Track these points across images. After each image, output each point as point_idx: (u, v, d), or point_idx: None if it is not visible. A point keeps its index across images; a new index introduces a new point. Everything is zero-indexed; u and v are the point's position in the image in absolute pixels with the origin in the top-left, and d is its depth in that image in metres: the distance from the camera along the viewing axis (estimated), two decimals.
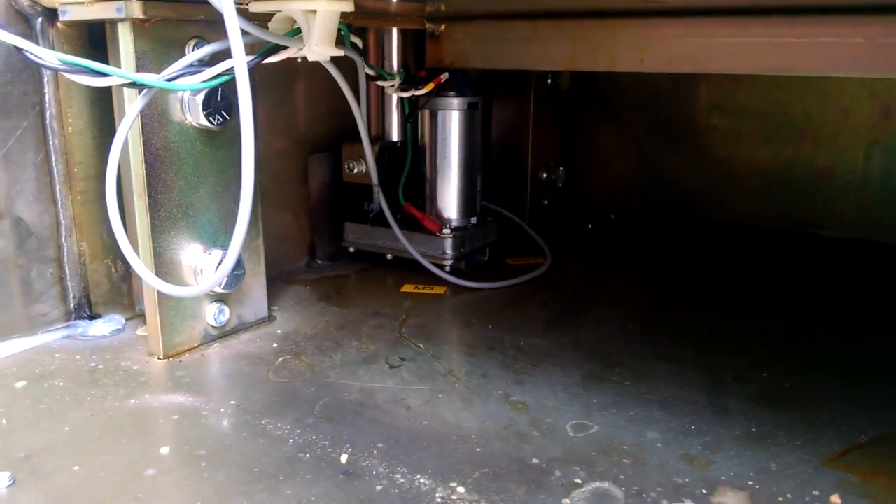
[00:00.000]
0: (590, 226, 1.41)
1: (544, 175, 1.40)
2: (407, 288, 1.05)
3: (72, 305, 0.88)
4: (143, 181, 0.76)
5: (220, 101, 0.78)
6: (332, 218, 1.16)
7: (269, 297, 0.95)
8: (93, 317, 0.90)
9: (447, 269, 1.06)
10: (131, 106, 0.69)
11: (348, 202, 1.14)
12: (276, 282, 1.05)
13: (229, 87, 0.79)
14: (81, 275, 0.88)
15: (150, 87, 0.68)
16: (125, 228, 0.72)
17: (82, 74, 0.66)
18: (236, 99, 0.79)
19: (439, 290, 1.04)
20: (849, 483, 0.59)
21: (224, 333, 0.87)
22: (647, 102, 1.46)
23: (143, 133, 0.75)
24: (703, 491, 0.58)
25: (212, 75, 0.70)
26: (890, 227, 1.26)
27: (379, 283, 1.08)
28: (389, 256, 1.11)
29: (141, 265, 0.70)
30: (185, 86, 0.70)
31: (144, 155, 0.76)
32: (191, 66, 0.71)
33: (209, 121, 0.77)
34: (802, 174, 1.33)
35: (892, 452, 0.63)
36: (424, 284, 1.05)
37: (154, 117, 0.76)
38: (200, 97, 0.76)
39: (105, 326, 0.88)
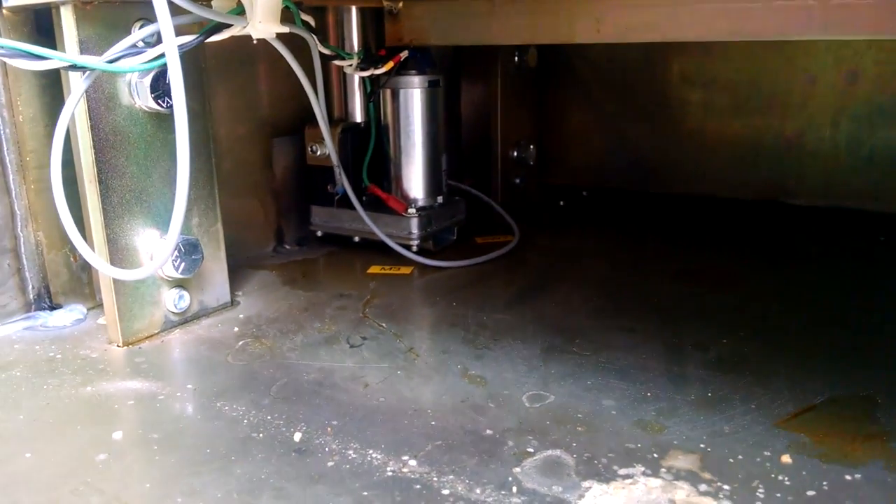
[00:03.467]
0: (561, 203, 1.41)
1: (515, 154, 1.39)
2: (373, 269, 1.04)
3: (31, 296, 0.87)
4: (93, 167, 0.76)
5: (168, 83, 0.77)
6: (298, 202, 1.15)
7: (233, 283, 0.94)
8: (53, 307, 0.89)
9: (414, 249, 1.06)
10: (73, 90, 0.68)
11: (314, 185, 1.13)
12: (242, 267, 1.04)
13: None
14: (39, 265, 0.87)
15: (91, 70, 0.67)
16: (81, 216, 0.71)
17: (21, 58, 0.65)
18: (185, 79, 0.78)
19: (406, 270, 1.04)
20: (801, 443, 0.59)
21: (185, 319, 0.86)
22: (618, 77, 1.46)
23: (90, 118, 0.74)
24: (655, 455, 0.57)
25: (153, 56, 0.69)
26: (858, 193, 1.26)
27: (346, 265, 1.07)
28: (357, 239, 1.11)
29: (84, 246, 0.70)
30: (127, 68, 0.69)
31: (93, 140, 0.75)
32: (133, 47, 0.70)
33: (158, 104, 0.76)
34: (772, 144, 1.34)
35: (846, 413, 0.64)
36: (391, 265, 1.05)
37: (101, 101, 0.75)
38: (148, 80, 0.75)
39: (66, 316, 0.87)
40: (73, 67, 0.67)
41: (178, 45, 0.67)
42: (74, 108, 0.68)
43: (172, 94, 0.59)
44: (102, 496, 0.55)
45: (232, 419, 0.65)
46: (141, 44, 0.72)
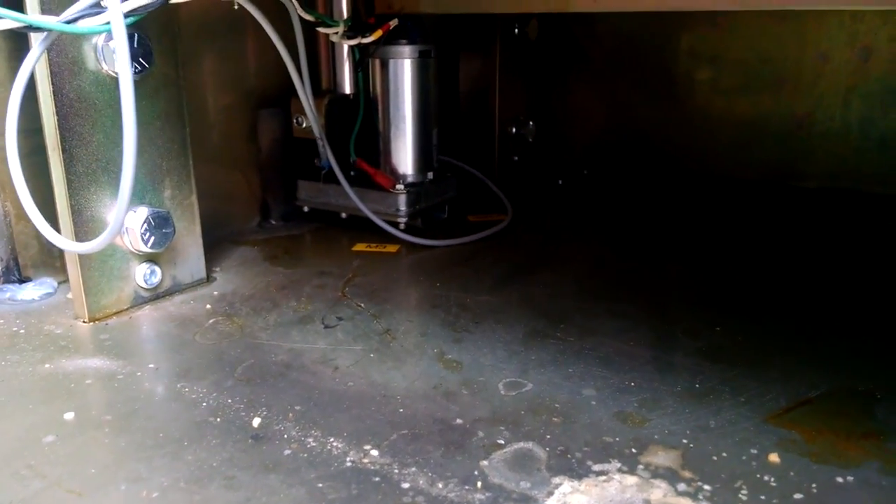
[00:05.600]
0: (560, 182, 1.36)
1: (513, 130, 1.35)
2: (359, 247, 1.01)
3: None
4: (56, 134, 0.72)
5: (136, 47, 0.74)
6: (284, 176, 1.11)
7: (212, 258, 0.91)
8: (23, 280, 0.86)
9: (401, 226, 1.02)
10: (31, 52, 0.65)
11: (300, 159, 1.09)
12: (224, 242, 1.01)
13: (147, 31, 0.75)
14: (8, 236, 0.84)
15: (48, 30, 0.63)
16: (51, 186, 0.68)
17: None
18: (156, 43, 0.75)
19: (392, 248, 1.00)
20: (791, 441, 0.55)
21: (157, 295, 0.83)
22: (622, 52, 1.40)
23: (52, 82, 0.71)
24: (633, 450, 0.54)
25: None
26: (869, 175, 1.21)
27: (331, 242, 1.04)
28: (344, 215, 1.07)
29: (36, 213, 0.66)
30: (86, 28, 0.65)
31: (56, 106, 0.71)
32: (96, 6, 0.66)
33: None
34: (781, 124, 1.28)
35: (842, 409, 0.60)
36: (377, 243, 1.01)
37: (65, 65, 0.71)
38: (114, 43, 0.71)
39: (35, 290, 0.84)
40: (29, 28, 0.63)
41: (141, 6, 0.63)
42: (31, 71, 0.64)
43: (116, 51, 0.55)
44: (44, 481, 0.52)
45: (191, 401, 0.62)
46: (105, 3, 0.67)
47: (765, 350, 0.69)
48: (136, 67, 0.74)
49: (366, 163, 1.05)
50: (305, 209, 1.10)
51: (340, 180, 1.00)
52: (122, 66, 0.57)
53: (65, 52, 0.71)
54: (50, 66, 0.70)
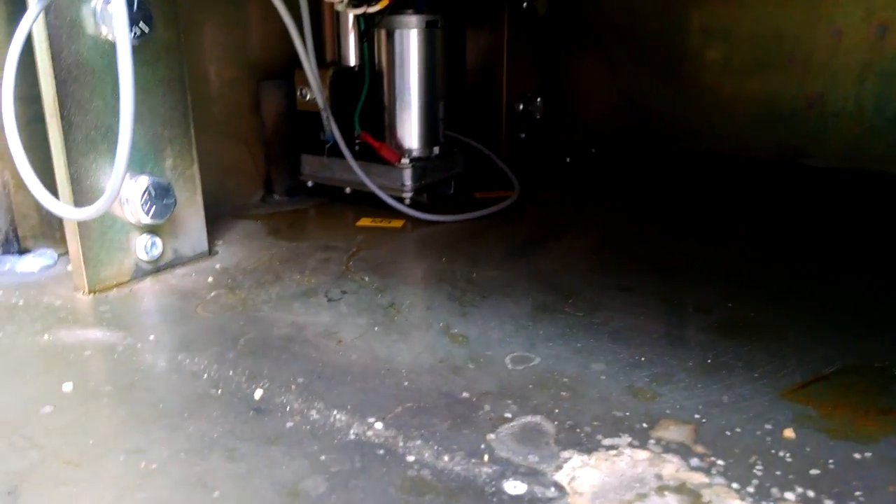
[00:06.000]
0: (568, 159, 1.34)
1: (521, 106, 1.33)
2: (363, 222, 0.99)
3: None
4: (55, 101, 0.70)
5: (136, 10, 0.72)
6: (289, 150, 1.09)
7: (215, 231, 0.89)
8: (22, 251, 0.84)
9: (406, 201, 1.00)
10: (28, 13, 0.63)
11: (305, 132, 1.07)
12: (227, 216, 1.00)
13: None
14: (7, 207, 0.83)
15: None
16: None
17: None
18: (157, 8, 0.73)
19: (397, 223, 0.98)
20: (807, 416, 0.53)
21: (158, 268, 0.81)
22: (632, 28, 1.38)
23: (50, 47, 0.69)
24: (644, 425, 0.52)
25: None
26: (883, 155, 1.18)
27: (336, 217, 1.02)
28: (348, 190, 1.05)
29: (33, 178, 0.64)
30: None
31: (54, 71, 0.70)
32: None
33: None
34: (792, 102, 1.26)
35: (858, 384, 0.58)
36: (382, 218, 0.99)
37: (63, 29, 0.69)
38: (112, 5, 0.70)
39: (35, 262, 0.83)
40: None
41: None
42: (27, 33, 0.63)
43: (114, 13, 0.53)
44: (40, 451, 0.51)
45: (191, 373, 0.60)
46: None
47: (778, 326, 0.68)
48: (135, 32, 0.72)
49: (371, 136, 1.03)
50: (309, 184, 1.08)
51: (345, 154, 0.98)
52: (119, 28, 0.55)
53: (63, 14, 0.69)
54: (48, 29, 0.68)
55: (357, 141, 1.04)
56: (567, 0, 1.38)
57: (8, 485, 0.47)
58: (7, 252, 0.84)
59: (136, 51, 0.74)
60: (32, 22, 0.63)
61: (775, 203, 1.08)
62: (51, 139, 0.72)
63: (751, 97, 1.29)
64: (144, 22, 0.73)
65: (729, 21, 1.28)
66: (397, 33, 0.99)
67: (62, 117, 0.71)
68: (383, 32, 1.00)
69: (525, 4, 1.28)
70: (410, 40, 0.99)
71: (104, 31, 0.71)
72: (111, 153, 0.74)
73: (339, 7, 0.95)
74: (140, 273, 0.80)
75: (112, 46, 0.73)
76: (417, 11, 0.98)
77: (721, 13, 1.29)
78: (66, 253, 0.86)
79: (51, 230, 0.86)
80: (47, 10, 0.67)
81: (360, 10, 0.96)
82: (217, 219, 0.90)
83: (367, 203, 1.03)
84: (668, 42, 1.35)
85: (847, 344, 0.64)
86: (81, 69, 0.71)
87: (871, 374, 0.59)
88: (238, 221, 0.99)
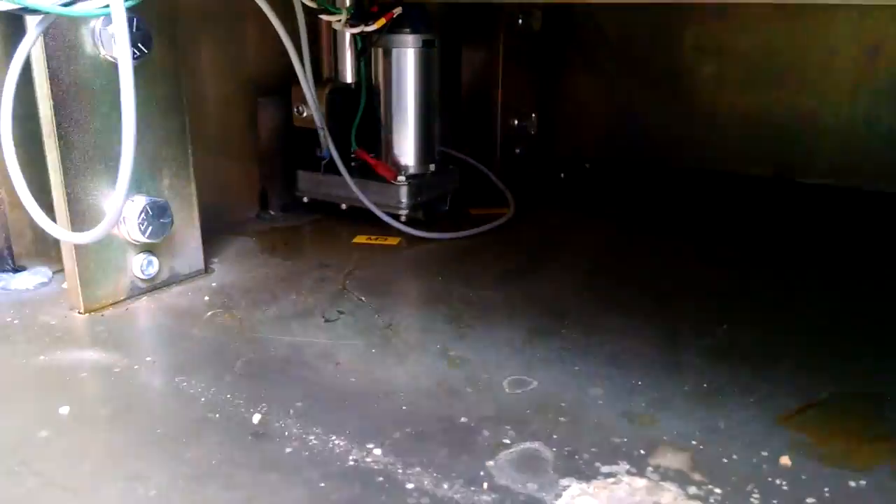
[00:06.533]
0: (562, 175, 1.35)
1: (516, 122, 1.33)
2: (359, 239, 0.99)
3: None
4: (52, 121, 0.70)
5: (135, 31, 0.72)
6: (284, 166, 1.09)
7: (210, 249, 0.89)
8: (17, 269, 0.84)
9: (402, 219, 1.00)
10: (27, 35, 0.63)
11: (300, 149, 1.07)
12: (222, 233, 0.99)
13: (146, 15, 0.73)
14: (2, 224, 0.82)
15: (45, 13, 0.61)
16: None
17: None
18: (155, 28, 0.73)
19: (393, 241, 0.98)
20: (802, 443, 0.54)
21: (154, 286, 0.81)
22: (627, 45, 1.39)
23: (48, 66, 0.69)
24: (642, 452, 0.53)
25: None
26: (875, 173, 1.20)
27: (331, 234, 1.02)
28: (344, 207, 1.05)
29: (31, 201, 0.64)
30: (85, 12, 0.63)
31: (52, 91, 0.69)
32: None
33: None
34: (785, 119, 1.27)
35: (853, 410, 0.59)
36: (378, 235, 1.00)
37: (61, 50, 0.70)
38: (112, 27, 0.70)
39: (29, 279, 0.83)
40: (25, 10, 0.61)
41: None
42: (27, 55, 0.63)
43: (116, 35, 0.53)
44: (39, 478, 0.50)
45: (189, 397, 0.60)
46: None
47: (773, 351, 0.68)
48: (134, 52, 0.72)
49: (367, 153, 1.03)
50: (305, 200, 1.09)
51: (341, 171, 0.99)
52: (121, 50, 0.56)
53: (61, 36, 0.69)
54: (46, 50, 0.68)
55: (353, 158, 1.04)
56: (562, 17, 1.39)
57: None
58: (1, 269, 0.83)
59: (136, 71, 0.75)
60: (31, 45, 0.63)
61: (768, 221, 1.09)
62: (48, 159, 0.72)
63: (744, 113, 1.31)
64: (143, 43, 0.73)
65: (722, 38, 1.30)
66: (394, 52, 1.00)
67: (60, 137, 0.71)
68: (380, 51, 1.01)
69: (520, 21, 1.29)
70: (407, 59, 1.00)
71: (103, 51, 0.72)
72: (109, 173, 0.75)
73: (338, 26, 0.96)
74: (136, 291, 0.80)
75: (110, 66, 0.73)
76: (414, 31, 0.99)
77: (714, 30, 1.30)
78: (61, 271, 0.85)
79: (46, 248, 0.86)
80: (46, 32, 0.67)
81: (357, 30, 0.96)
82: (212, 235, 0.90)
83: (363, 219, 1.03)
84: (662, 58, 1.36)
85: (839, 369, 0.65)
86: (80, 89, 0.71)
87: (863, 400, 0.60)
88: (233, 238, 0.99)
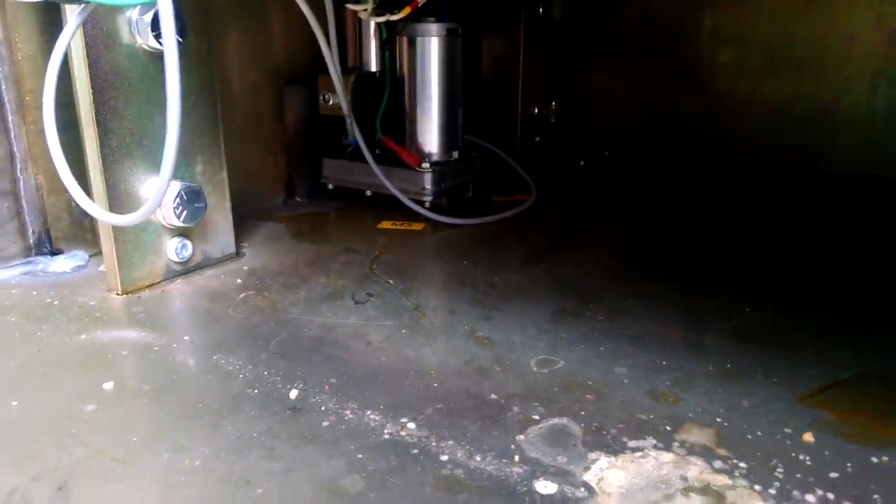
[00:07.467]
0: (582, 163, 1.36)
1: (536, 110, 1.34)
2: (384, 225, 1.01)
3: (31, 241, 0.85)
4: (91, 108, 0.72)
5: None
6: (310, 153, 1.11)
7: (240, 234, 0.91)
8: (54, 252, 0.87)
9: (426, 205, 1.02)
10: (68, 24, 0.65)
11: (326, 136, 1.09)
12: (250, 219, 1.02)
13: (181, 4, 0.75)
14: (40, 209, 0.85)
15: (86, 3, 0.63)
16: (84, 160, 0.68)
17: None
18: (189, 18, 0.75)
19: (418, 226, 1.00)
20: (825, 421, 0.55)
21: (188, 269, 0.83)
22: (647, 33, 1.39)
23: (87, 55, 0.71)
24: (668, 428, 0.54)
25: None
26: (894, 161, 1.20)
27: (357, 219, 1.04)
28: (369, 193, 1.07)
29: (76, 188, 0.67)
30: (125, 1, 0.65)
31: (91, 79, 0.72)
32: None
33: (159, 42, 0.73)
34: (806, 107, 1.27)
35: (875, 390, 0.60)
36: (403, 221, 1.01)
37: (100, 38, 0.72)
38: (149, 16, 0.72)
39: (66, 262, 0.85)
40: (67, 0, 0.63)
41: None
42: (67, 45, 0.65)
43: (161, 25, 0.55)
44: (87, 449, 0.53)
45: (227, 373, 0.62)
46: None
47: (795, 331, 0.69)
48: None
49: (392, 140, 1.05)
50: (330, 187, 1.11)
51: (367, 158, 1.00)
52: (167, 37, 0.57)
53: (99, 25, 0.71)
54: (85, 39, 0.70)
55: (378, 145, 1.06)
56: (582, 5, 1.39)
57: (59, 480, 0.49)
58: (40, 253, 0.86)
59: None
60: (72, 35, 0.65)
61: (790, 208, 1.10)
62: (86, 146, 0.74)
63: (764, 101, 1.31)
64: (179, 32, 0.74)
65: (743, 26, 1.30)
66: (419, 41, 1.01)
67: (98, 124, 0.73)
68: (405, 40, 1.02)
69: (541, 10, 1.30)
70: (431, 47, 1.01)
71: (139, 40, 0.74)
72: (145, 159, 0.77)
73: (363, 15, 0.97)
74: (171, 274, 0.82)
75: (146, 55, 0.75)
76: (439, 20, 1.00)
77: (735, 18, 1.30)
78: (97, 254, 0.88)
79: (82, 232, 0.88)
80: (84, 21, 0.69)
81: (382, 19, 0.98)
82: (240, 221, 0.92)
83: (387, 206, 1.05)
84: (683, 46, 1.36)
85: (863, 350, 0.66)
86: (117, 77, 0.73)
87: (885, 380, 0.61)
88: (262, 224, 1.01)
